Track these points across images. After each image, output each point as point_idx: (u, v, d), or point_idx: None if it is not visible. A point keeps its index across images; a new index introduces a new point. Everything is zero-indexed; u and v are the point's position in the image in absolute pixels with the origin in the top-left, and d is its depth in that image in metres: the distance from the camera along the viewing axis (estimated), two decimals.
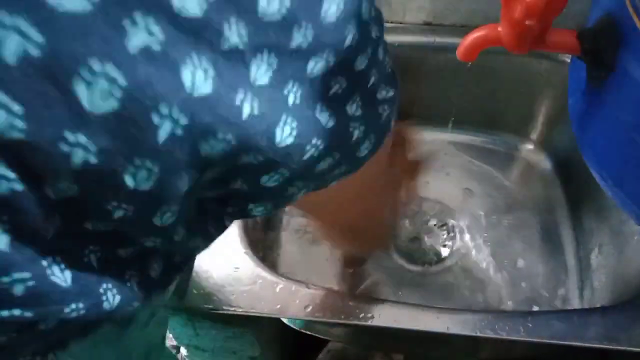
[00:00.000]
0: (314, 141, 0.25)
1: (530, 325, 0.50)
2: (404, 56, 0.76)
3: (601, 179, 0.55)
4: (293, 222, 0.76)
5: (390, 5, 0.74)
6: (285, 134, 0.24)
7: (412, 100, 0.80)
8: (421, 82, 0.78)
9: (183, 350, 1.01)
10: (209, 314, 0.65)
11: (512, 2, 0.47)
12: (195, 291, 0.52)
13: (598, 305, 0.63)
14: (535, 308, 0.67)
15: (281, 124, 0.23)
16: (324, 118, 0.25)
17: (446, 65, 0.75)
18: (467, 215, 0.76)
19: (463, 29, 0.75)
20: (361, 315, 0.51)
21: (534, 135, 0.80)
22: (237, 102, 0.22)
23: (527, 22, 0.47)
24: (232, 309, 0.51)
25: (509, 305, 0.69)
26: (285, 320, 0.62)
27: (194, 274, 0.53)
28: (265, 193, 0.27)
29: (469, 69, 0.76)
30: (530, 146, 0.80)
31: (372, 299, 0.53)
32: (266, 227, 0.72)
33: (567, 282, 0.69)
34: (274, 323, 0.71)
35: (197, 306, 0.51)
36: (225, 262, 0.54)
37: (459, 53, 0.56)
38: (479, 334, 0.50)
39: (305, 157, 0.25)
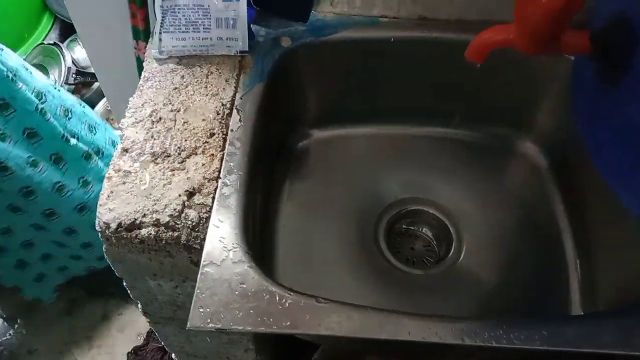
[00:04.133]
0: None
1: (545, 333, 0.49)
2: (398, 51, 0.74)
3: (610, 177, 0.54)
4: (289, 227, 0.74)
5: (384, 0, 0.71)
6: None
7: (406, 96, 0.78)
8: (416, 77, 0.76)
9: (174, 356, 0.98)
10: None
11: (528, 4, 0.45)
12: (200, 310, 0.49)
13: (601, 304, 0.63)
14: (537, 307, 0.67)
15: None
16: None
17: (442, 59, 0.73)
18: (464, 215, 0.75)
19: (459, 23, 0.73)
20: (371, 330, 0.49)
21: (532, 132, 0.79)
22: None
23: (543, 25, 0.46)
24: (241, 327, 0.49)
25: (508, 304, 0.68)
26: None
27: (197, 291, 0.51)
28: None
29: (465, 63, 0.74)
30: (528, 143, 0.80)
31: (382, 310, 0.51)
32: (263, 233, 0.70)
33: (569, 281, 0.69)
34: None
35: (203, 327, 0.49)
36: (229, 277, 0.51)
37: (468, 53, 0.54)
38: (494, 344, 0.49)
39: None
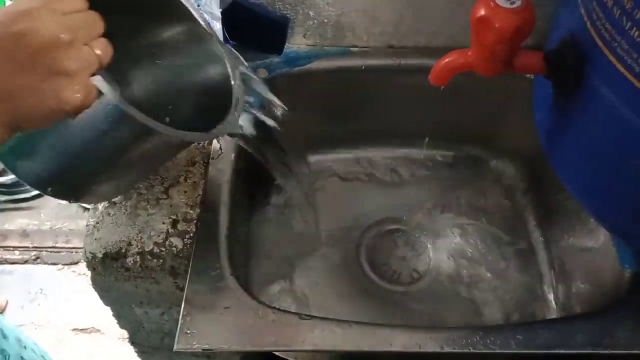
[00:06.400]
0: None
1: (520, 337, 0.51)
2: (370, 79, 0.77)
3: (572, 188, 0.57)
4: (272, 248, 0.75)
5: (354, 31, 0.75)
6: None
7: (380, 121, 0.82)
8: (388, 102, 0.80)
9: None
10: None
11: (483, 28, 0.49)
12: (187, 332, 0.51)
13: (576, 310, 0.66)
14: (515, 317, 0.70)
15: None
16: None
17: (411, 85, 0.77)
18: (438, 231, 0.78)
19: (426, 50, 0.77)
20: (353, 343, 0.51)
21: (503, 150, 0.83)
22: None
23: (497, 47, 0.49)
24: (227, 346, 0.50)
25: (487, 316, 0.71)
26: None
27: (183, 313, 0.52)
28: None
29: (433, 87, 0.78)
30: (497, 158, 0.83)
31: (364, 324, 0.53)
32: (247, 255, 0.72)
33: (543, 288, 0.71)
34: None
35: (190, 347, 0.50)
36: (216, 299, 0.53)
37: (431, 78, 0.57)
38: (471, 350, 0.51)
39: None
